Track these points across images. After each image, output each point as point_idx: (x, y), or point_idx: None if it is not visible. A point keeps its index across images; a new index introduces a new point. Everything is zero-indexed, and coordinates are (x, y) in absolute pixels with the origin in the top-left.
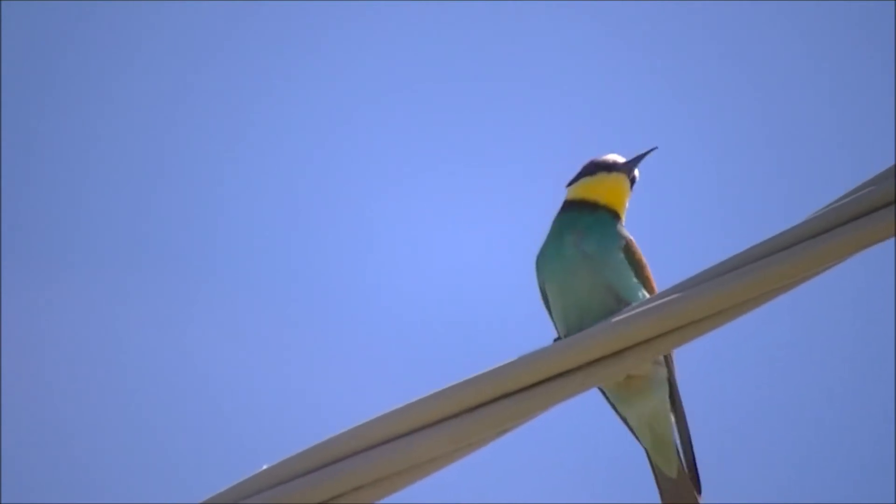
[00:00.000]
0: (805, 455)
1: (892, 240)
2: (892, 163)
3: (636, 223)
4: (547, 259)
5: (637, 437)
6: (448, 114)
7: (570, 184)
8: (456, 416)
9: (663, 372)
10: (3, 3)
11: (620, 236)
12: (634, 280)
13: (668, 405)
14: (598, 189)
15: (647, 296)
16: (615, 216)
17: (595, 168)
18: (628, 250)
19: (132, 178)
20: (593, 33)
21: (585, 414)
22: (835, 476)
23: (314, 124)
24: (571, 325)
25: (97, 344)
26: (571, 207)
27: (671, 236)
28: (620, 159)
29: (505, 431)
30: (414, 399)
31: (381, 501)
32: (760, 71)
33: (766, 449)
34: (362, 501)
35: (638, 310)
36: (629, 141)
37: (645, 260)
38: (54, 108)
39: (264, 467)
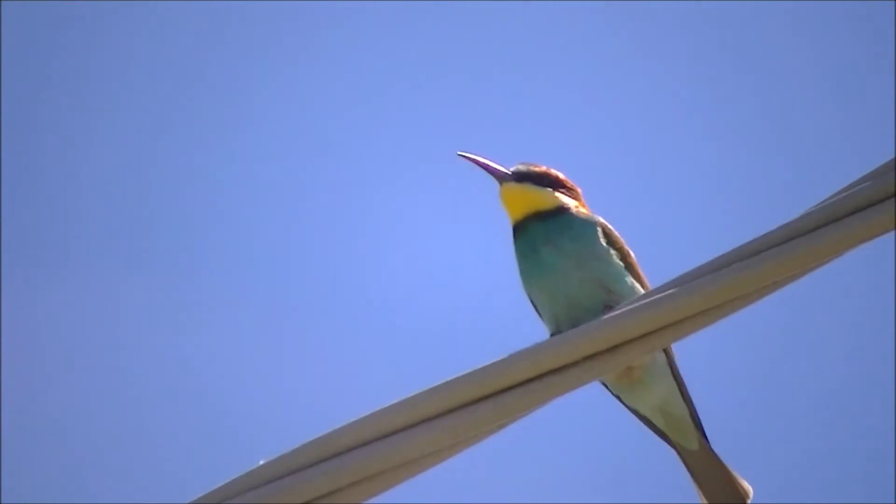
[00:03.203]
0: (804, 455)
1: (892, 235)
2: (891, 157)
3: (633, 219)
4: (531, 275)
5: (650, 423)
6: (441, 112)
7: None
8: (453, 411)
9: (662, 357)
10: (2, 3)
11: (593, 223)
12: (620, 266)
13: (675, 386)
14: (515, 203)
15: (634, 283)
16: (566, 210)
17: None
18: (607, 235)
19: (131, 177)
20: (592, 32)
21: (584, 411)
22: (835, 476)
23: (311, 126)
24: (562, 321)
25: (94, 342)
26: (523, 226)
27: (668, 231)
28: (494, 167)
29: (502, 427)
30: (410, 394)
31: (379, 498)
32: (759, 66)
33: (765, 448)
34: (360, 497)
35: (634, 305)
36: (627, 139)
37: (627, 246)
38: (54, 108)
39: (261, 463)
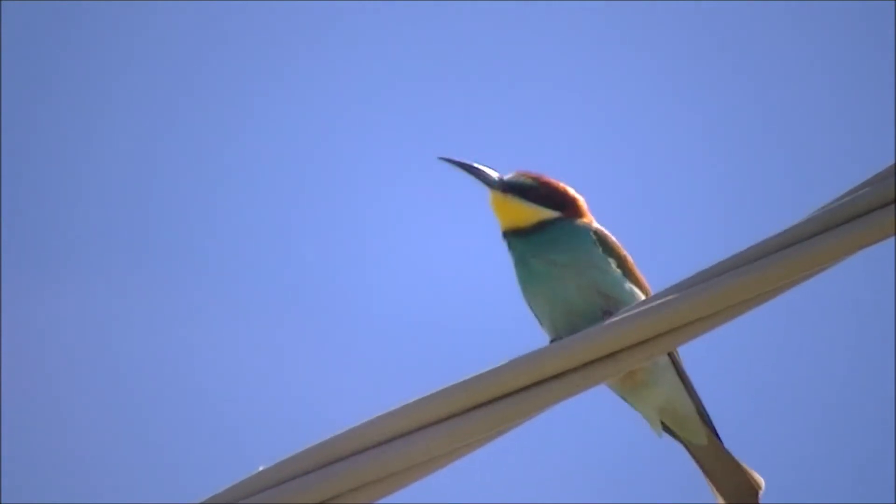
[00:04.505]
0: (804, 455)
1: (892, 240)
2: (891, 162)
3: (633, 224)
4: (527, 283)
5: (658, 424)
6: (442, 113)
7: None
8: (453, 416)
9: (665, 358)
10: (2, 3)
11: (586, 231)
12: (618, 273)
13: (680, 385)
14: (499, 215)
15: (634, 288)
16: (555, 221)
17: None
18: (602, 241)
19: (131, 178)
20: (591, 33)
21: (591, 410)
22: (835, 476)
23: (311, 127)
24: (560, 327)
25: (95, 344)
26: (512, 236)
27: (668, 236)
28: (481, 171)
29: (503, 432)
30: (412, 399)
31: (379, 502)
32: (759, 70)
33: (765, 448)
34: (360, 501)
35: (634, 311)
36: (627, 142)
37: (625, 251)
38: (54, 109)
39: (261, 468)
